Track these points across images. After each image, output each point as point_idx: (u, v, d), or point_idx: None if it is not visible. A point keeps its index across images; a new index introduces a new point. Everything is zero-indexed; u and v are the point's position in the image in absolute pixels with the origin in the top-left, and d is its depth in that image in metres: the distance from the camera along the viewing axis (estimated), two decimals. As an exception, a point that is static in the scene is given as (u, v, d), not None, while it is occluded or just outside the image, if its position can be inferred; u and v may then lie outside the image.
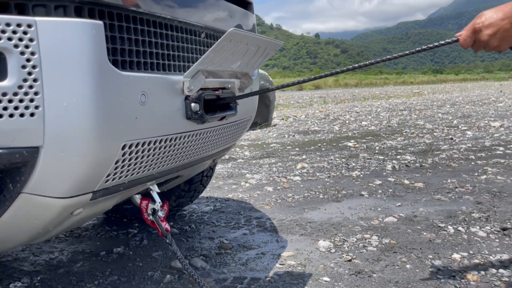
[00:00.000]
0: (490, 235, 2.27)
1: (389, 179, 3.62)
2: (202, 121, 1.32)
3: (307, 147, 5.56)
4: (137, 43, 1.11)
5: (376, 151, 5.03)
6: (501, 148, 4.90)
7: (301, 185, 3.49)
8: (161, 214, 1.57)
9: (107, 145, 1.01)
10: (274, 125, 8.74)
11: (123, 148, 1.06)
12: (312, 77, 1.53)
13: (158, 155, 1.24)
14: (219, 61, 1.29)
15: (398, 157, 4.61)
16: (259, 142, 6.28)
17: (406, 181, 3.49)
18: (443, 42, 1.30)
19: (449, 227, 2.41)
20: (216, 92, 1.42)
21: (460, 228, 2.38)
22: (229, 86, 1.54)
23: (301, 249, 2.17)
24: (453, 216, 2.59)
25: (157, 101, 1.15)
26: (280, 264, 1.99)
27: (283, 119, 10.11)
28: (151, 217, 1.56)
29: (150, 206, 1.57)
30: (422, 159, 4.40)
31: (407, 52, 1.36)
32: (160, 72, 1.19)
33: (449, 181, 3.46)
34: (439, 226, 2.42)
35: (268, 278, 1.84)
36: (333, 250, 2.14)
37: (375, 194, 3.17)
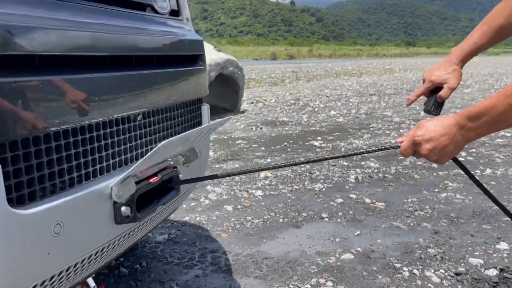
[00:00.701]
0: (444, 281, 2.26)
1: (350, 195, 3.58)
2: (135, 221, 1.20)
3: (273, 146, 5.47)
4: (43, 166, 0.96)
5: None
6: (463, 154, 4.94)
7: (262, 203, 3.41)
8: (96, 299, 1.46)
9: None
10: (243, 112, 8.60)
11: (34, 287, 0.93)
12: (295, 162, 1.41)
13: (83, 269, 1.12)
14: (153, 160, 1.16)
15: (363, 163, 4.58)
16: (225, 137, 6.15)
17: (367, 200, 3.47)
18: (383, 147, 1.27)
19: (405, 268, 2.39)
20: (153, 180, 1.29)
21: (415, 271, 2.37)
22: (171, 163, 1.41)
23: (254, 299, 2.11)
24: (409, 252, 2.58)
25: (77, 222, 1.02)
26: (230, 323, 1.92)
27: (252, 102, 9.97)
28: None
29: (84, 291, 1.45)
30: (385, 168, 4.39)
31: (341, 155, 1.34)
32: (81, 185, 1.05)
33: (409, 200, 3.46)
34: (395, 268, 2.39)
35: None
36: (286, 302, 2.08)
37: (335, 217, 3.13)
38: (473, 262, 2.45)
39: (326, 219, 3.09)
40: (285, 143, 5.61)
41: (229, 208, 3.30)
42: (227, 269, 2.40)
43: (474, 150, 5.14)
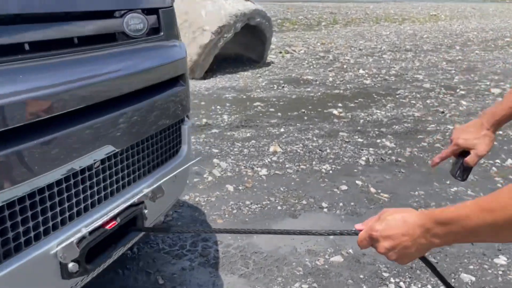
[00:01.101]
0: (428, 300, 2.23)
1: (357, 181, 3.50)
2: (85, 274, 1.20)
3: (291, 112, 5.35)
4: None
5: (359, 128, 4.83)
6: (487, 138, 4.70)
7: (265, 184, 3.39)
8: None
9: None
10: (269, 64, 8.38)
11: None
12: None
13: None
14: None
15: (378, 141, 4.43)
16: (244, 96, 6.04)
17: (373, 189, 3.39)
18: (339, 231, 1.13)
19: (392, 279, 2.36)
20: (110, 226, 1.27)
21: (401, 283, 2.34)
22: (135, 201, 1.38)
23: (234, 302, 2.15)
24: (401, 259, 2.53)
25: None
26: (205, 328, 1.98)
27: (281, 52, 9.69)
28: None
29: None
30: (400, 149, 4.24)
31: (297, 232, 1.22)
32: (21, 252, 1.04)
33: (416, 193, 3.35)
34: (382, 277, 2.37)
35: None
36: (263, 309, 2.11)
37: (335, 208, 3.08)
38: (465, 278, 2.39)
39: (325, 210, 3.06)
40: (303, 110, 5.47)
41: (230, 188, 3.30)
42: (214, 263, 2.44)
43: (501, 133, 4.87)
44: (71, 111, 1.16)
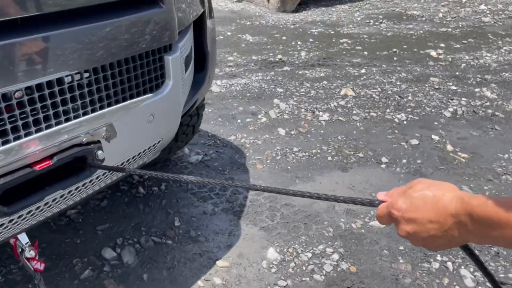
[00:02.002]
0: (479, 289, 1.81)
1: (433, 136, 2.97)
2: (4, 216, 1.07)
3: (379, 51, 4.74)
4: None
5: (457, 73, 4.10)
6: None
7: (322, 131, 3.04)
8: (30, 254, 1.46)
9: None
10: (372, -2, 7.52)
11: None
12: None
13: None
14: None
15: (477, 90, 3.71)
16: (332, 32, 5.50)
17: (450, 147, 2.84)
18: (360, 200, 0.87)
19: (438, 257, 1.96)
20: (40, 166, 1.12)
21: (449, 264, 1.92)
22: (84, 140, 1.21)
23: (244, 256, 1.96)
24: (459, 235, 2.09)
25: None
26: (204, 281, 1.83)
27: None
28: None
29: (18, 244, 1.45)
30: (502, 102, 3.50)
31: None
32: None
33: (505, 156, 2.74)
34: (426, 254, 1.98)
35: (174, 304, 1.72)
36: (274, 270, 1.89)
37: (396, 165, 2.65)
38: (536, 271, 1.89)
39: (383, 166, 2.65)
40: (395, 49, 4.80)
41: (282, 132, 3.02)
42: (239, 210, 2.26)
43: None
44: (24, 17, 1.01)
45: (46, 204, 1.22)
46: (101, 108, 1.22)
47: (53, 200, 1.23)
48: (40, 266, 1.49)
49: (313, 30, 5.57)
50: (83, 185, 1.30)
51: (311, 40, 5.16)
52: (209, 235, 2.08)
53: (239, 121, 3.17)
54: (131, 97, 1.32)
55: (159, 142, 1.52)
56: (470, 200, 0.69)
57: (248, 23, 6.08)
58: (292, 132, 3.02)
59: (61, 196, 1.25)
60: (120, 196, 2.34)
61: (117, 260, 1.92)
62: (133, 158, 1.44)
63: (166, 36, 1.39)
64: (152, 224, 2.15)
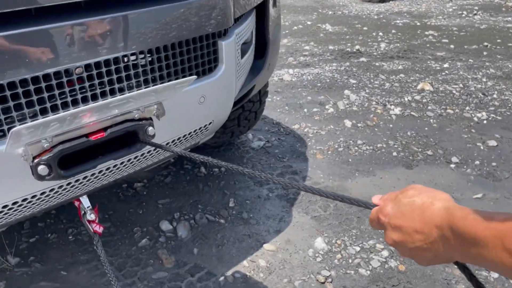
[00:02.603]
0: (541, 306, 1.66)
1: (515, 138, 2.74)
2: (59, 179, 1.20)
3: (468, 45, 4.42)
4: None
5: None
6: None
7: (391, 125, 2.94)
8: (91, 217, 1.60)
9: None
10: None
11: None
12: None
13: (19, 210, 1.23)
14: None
15: None
16: (418, 23, 5.22)
17: (533, 151, 2.60)
18: (356, 201, 0.82)
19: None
20: (95, 136, 1.23)
21: None
22: (136, 116, 1.31)
23: (292, 242, 1.98)
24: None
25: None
26: (249, 261, 1.89)
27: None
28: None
29: (81, 207, 1.61)
30: None
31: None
32: None
33: None
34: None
35: (218, 281, 1.79)
36: (319, 259, 1.89)
37: (468, 165, 2.49)
38: None
39: (453, 166, 2.50)
40: (487, 43, 4.45)
41: (348, 123, 2.96)
42: (293, 198, 2.27)
43: None
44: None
45: (100, 172, 1.34)
46: (153, 85, 1.31)
47: (107, 169, 1.35)
48: (99, 229, 1.64)
49: (398, 21, 5.34)
50: (134, 157, 1.41)
51: (393, 31, 4.95)
52: (260, 218, 2.13)
53: (305, 110, 3.17)
54: (184, 77, 1.39)
55: (210, 123, 1.59)
56: (455, 211, 0.63)
57: (330, 12, 5.98)
58: (359, 125, 2.95)
59: (114, 166, 1.37)
60: (183, 174, 2.47)
61: (172, 233, 2.04)
62: (184, 137, 1.53)
63: (221, 22, 1.44)
64: (209, 202, 2.25)
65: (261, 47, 1.95)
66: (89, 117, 1.18)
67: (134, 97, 1.21)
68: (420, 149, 2.66)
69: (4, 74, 1.05)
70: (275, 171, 2.49)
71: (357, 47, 4.43)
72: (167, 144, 1.48)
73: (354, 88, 3.49)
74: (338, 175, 2.44)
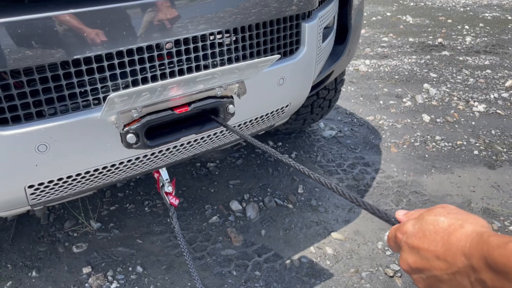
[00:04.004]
0: None
1: None
2: (145, 148, 1.27)
3: None
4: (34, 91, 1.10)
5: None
6: None
7: (473, 122, 2.77)
8: (168, 189, 1.68)
9: (9, 189, 1.17)
10: None
11: (29, 187, 1.19)
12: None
13: (91, 180, 1.32)
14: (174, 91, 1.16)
15: None
16: (510, 17, 4.85)
17: None
18: (381, 214, 0.72)
19: None
20: (180, 110, 1.28)
21: None
22: (219, 93, 1.34)
23: (360, 233, 1.95)
24: None
25: (66, 145, 1.17)
26: (316, 248, 1.88)
27: None
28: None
29: (160, 179, 1.69)
30: None
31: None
32: (75, 112, 1.16)
33: None
34: None
35: (285, 263, 1.81)
36: (388, 253, 1.84)
37: (559, 170, 2.29)
38: None
39: (542, 169, 2.31)
40: None
41: (426, 118, 2.84)
42: (363, 190, 2.23)
43: None
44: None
45: (181, 145, 1.40)
46: (236, 63, 1.34)
47: (188, 143, 1.41)
48: (175, 201, 1.71)
49: (486, 14, 5.00)
50: (214, 134, 1.45)
51: (481, 24, 4.65)
52: (329, 207, 2.11)
53: (381, 102, 3.08)
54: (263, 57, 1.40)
55: (287, 106, 1.60)
56: (490, 238, 0.51)
57: (411, 4, 5.73)
58: (438, 120, 2.82)
59: (194, 141, 1.42)
60: (254, 158, 2.50)
61: (241, 213, 2.09)
62: (261, 117, 1.55)
63: (305, 3, 1.43)
64: (278, 187, 2.26)
65: (342, 33, 1.92)
66: (176, 90, 1.23)
67: (218, 73, 1.24)
68: (505, 149, 2.49)
69: (106, 45, 1.12)
70: (346, 161, 2.45)
71: (440, 40, 4.21)
72: (245, 123, 1.51)
73: (434, 82, 3.33)
74: (413, 170, 2.35)
